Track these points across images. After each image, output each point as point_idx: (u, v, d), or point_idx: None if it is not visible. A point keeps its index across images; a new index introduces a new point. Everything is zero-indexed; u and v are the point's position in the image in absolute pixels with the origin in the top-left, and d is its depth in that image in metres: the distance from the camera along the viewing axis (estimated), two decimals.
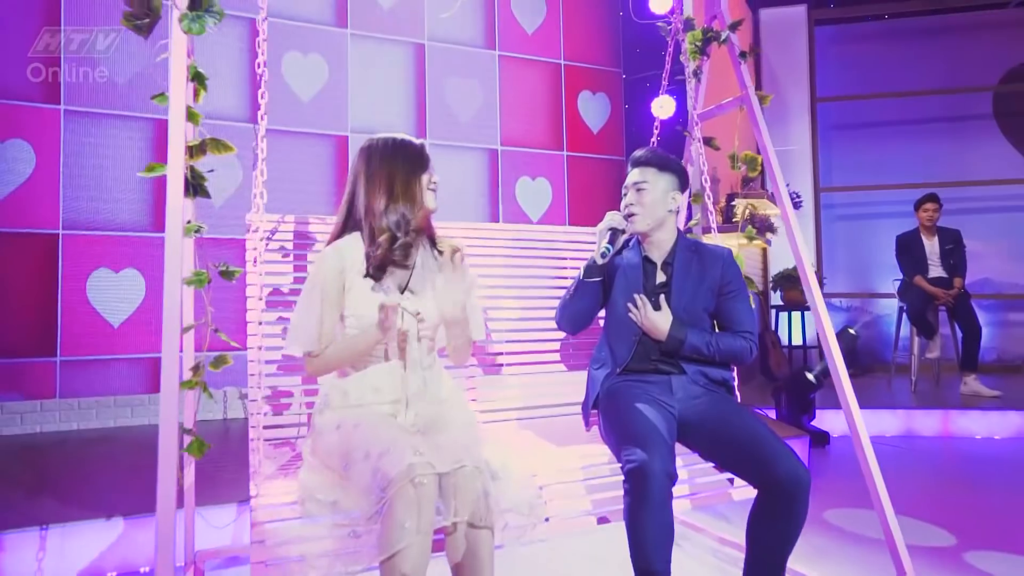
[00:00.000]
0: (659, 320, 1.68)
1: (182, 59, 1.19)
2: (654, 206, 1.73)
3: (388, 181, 1.48)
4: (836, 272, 6.35)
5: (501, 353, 2.07)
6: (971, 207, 6.17)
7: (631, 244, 1.84)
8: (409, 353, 1.48)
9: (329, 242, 1.54)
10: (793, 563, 1.85)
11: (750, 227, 2.12)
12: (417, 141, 1.58)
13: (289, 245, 1.80)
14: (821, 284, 6.10)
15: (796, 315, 5.79)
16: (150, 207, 3.77)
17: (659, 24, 2.22)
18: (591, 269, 1.76)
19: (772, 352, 5.48)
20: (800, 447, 3.17)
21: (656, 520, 1.37)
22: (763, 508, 1.52)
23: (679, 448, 1.65)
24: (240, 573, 2.01)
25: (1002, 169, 6.12)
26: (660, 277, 1.77)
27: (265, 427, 1.62)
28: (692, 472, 1.70)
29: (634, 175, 1.76)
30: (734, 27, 1.96)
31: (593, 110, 5.09)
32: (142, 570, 2.02)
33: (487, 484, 1.26)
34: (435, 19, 4.52)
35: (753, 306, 1.79)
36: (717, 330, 1.79)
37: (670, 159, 1.77)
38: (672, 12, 2.21)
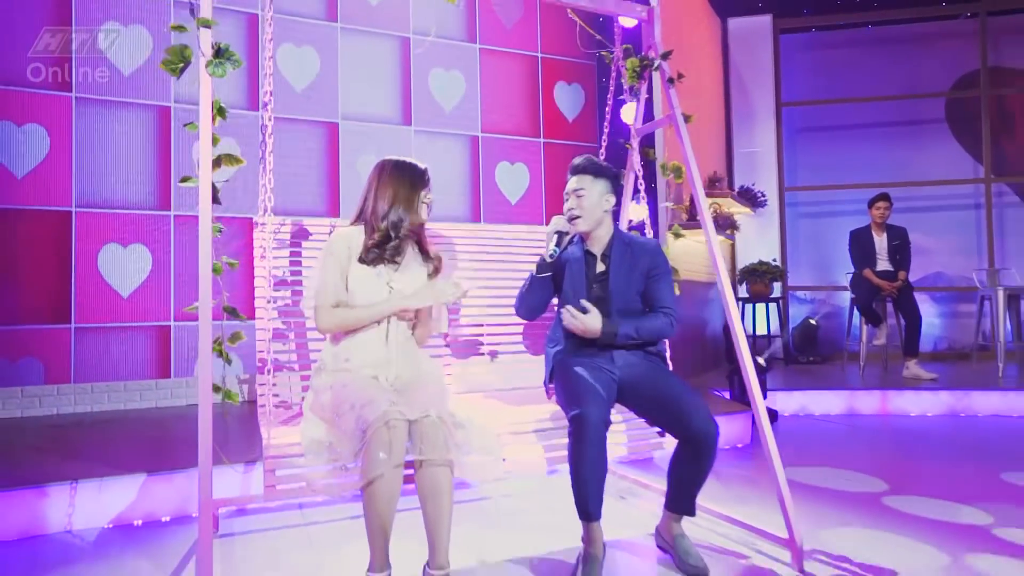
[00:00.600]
0: (590, 322, 1.97)
1: (209, 97, 1.52)
2: (593, 209, 2.06)
3: (393, 192, 1.83)
4: (800, 266, 6.74)
5: (475, 336, 2.42)
6: (925, 205, 6.58)
7: (575, 240, 2.17)
8: (392, 328, 1.82)
9: (353, 221, 1.91)
10: (709, 504, 2.22)
11: (676, 225, 2.46)
12: (422, 165, 1.92)
13: (287, 240, 2.14)
14: (785, 277, 6.50)
15: (760, 306, 6.18)
16: (155, 187, 4.08)
17: (602, 53, 2.56)
18: (542, 266, 2.09)
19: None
20: (744, 421, 3.54)
21: (591, 456, 1.72)
22: (681, 454, 1.88)
23: (623, 409, 2.00)
24: (246, 521, 2.36)
25: (954, 170, 6.54)
26: (600, 267, 2.11)
27: (274, 399, 1.96)
28: (630, 426, 2.07)
29: (573, 183, 2.10)
30: (665, 56, 2.30)
31: (568, 99, 5.44)
32: (163, 519, 2.36)
33: (449, 431, 1.60)
34: (419, 14, 4.84)
35: (678, 292, 2.15)
36: (646, 307, 2.12)
37: (603, 166, 2.10)
38: (613, 41, 2.55)
